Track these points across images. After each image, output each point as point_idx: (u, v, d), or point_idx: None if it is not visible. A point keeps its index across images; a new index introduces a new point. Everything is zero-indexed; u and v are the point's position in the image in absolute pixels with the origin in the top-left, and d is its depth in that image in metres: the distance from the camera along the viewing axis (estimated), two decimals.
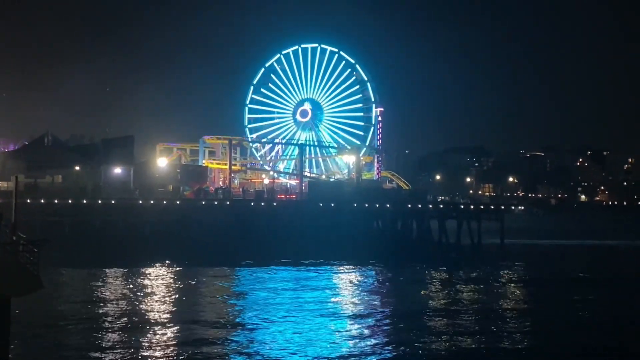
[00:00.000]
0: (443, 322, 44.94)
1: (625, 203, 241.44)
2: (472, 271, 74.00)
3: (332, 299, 53.06)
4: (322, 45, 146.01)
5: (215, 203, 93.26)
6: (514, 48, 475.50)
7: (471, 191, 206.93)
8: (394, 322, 44.32)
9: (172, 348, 35.99)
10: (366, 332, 41.47)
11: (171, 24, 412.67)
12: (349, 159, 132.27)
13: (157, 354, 34.76)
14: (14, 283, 25.14)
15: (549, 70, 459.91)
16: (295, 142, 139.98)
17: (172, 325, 41.66)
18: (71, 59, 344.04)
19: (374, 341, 38.85)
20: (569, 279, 69.94)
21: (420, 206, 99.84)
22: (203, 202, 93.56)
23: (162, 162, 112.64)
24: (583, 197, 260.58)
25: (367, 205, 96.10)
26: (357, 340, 39.04)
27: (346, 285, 62.38)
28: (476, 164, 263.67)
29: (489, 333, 41.34)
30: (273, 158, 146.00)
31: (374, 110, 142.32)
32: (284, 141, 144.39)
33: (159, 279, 61.63)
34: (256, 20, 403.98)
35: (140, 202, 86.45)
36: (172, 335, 39.07)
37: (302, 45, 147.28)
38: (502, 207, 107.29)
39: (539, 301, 55.39)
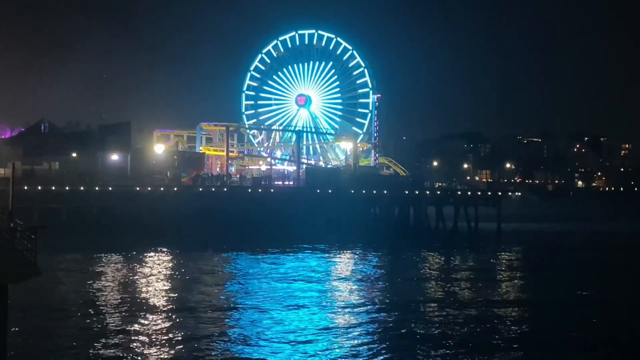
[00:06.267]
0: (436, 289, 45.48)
1: (622, 189, 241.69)
2: (468, 254, 74.81)
3: (326, 277, 53.66)
4: (319, 32, 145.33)
5: (213, 190, 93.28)
6: (511, 34, 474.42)
7: (468, 177, 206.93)
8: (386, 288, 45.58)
9: (171, 333, 36.09)
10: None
11: (168, 11, 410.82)
12: (347, 146, 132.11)
13: (156, 338, 34.86)
14: (11, 270, 25.12)
15: (545, 56, 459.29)
16: (292, 128, 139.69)
17: (171, 310, 41.75)
18: (67, 45, 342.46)
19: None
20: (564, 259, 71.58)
21: (417, 192, 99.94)
22: (200, 189, 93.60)
23: (159, 149, 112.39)
24: (580, 183, 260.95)
25: (364, 191, 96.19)
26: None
27: (341, 265, 62.80)
28: (473, 150, 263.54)
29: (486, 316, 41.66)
30: (270, 145, 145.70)
31: (371, 96, 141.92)
32: (281, 128, 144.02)
33: (156, 265, 61.70)
34: (253, 6, 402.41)
35: (137, 188, 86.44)
36: (171, 320, 39.15)
37: (299, 32, 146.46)
38: (499, 193, 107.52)
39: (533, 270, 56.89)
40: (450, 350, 34.15)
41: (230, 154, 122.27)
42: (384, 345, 35.21)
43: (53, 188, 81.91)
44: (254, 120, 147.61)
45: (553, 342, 36.54)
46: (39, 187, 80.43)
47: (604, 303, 47.45)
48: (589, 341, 36.88)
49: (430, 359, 33.14)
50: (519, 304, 47.22)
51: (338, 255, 71.64)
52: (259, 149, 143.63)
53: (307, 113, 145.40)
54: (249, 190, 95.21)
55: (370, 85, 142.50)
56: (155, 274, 56.33)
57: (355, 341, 35.82)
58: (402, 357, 33.40)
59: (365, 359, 32.98)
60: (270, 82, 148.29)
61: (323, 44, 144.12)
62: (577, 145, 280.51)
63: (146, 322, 38.59)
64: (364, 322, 40.41)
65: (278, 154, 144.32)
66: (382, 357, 33.22)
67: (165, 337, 35.43)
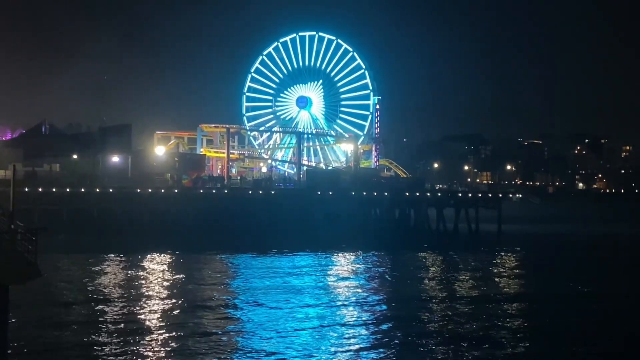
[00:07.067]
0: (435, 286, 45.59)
1: (622, 191, 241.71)
2: (469, 254, 75.30)
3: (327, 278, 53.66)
4: (320, 33, 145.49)
5: (214, 191, 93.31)
6: (511, 36, 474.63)
7: (469, 179, 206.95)
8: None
9: (171, 334, 36.12)
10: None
11: (169, 13, 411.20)
12: (347, 148, 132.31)
13: (158, 340, 34.89)
14: (12, 271, 25.19)
15: (546, 57, 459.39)
16: (293, 130, 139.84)
17: (172, 311, 41.78)
18: (68, 47, 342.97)
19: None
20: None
21: (418, 194, 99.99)
22: (201, 191, 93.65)
23: (159, 151, 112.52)
24: (580, 184, 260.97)
25: (365, 193, 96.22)
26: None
27: (343, 265, 62.85)
28: (474, 152, 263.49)
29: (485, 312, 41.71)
30: (271, 146, 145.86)
31: (372, 98, 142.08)
32: (281, 129, 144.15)
33: (157, 266, 61.66)
34: (254, 9, 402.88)
35: (138, 190, 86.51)
36: (172, 321, 39.16)
37: (300, 33, 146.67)
38: (500, 195, 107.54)
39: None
40: (452, 345, 34.39)
41: (231, 155, 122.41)
42: (389, 341, 35.46)
43: (54, 190, 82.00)
44: (256, 121, 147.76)
45: (553, 339, 36.77)
46: (40, 189, 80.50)
47: (604, 302, 47.74)
48: (589, 338, 37.25)
49: (433, 354, 33.35)
50: (520, 302, 47.41)
51: (339, 256, 71.58)
52: (259, 150, 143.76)
53: (308, 115, 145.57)
54: (250, 192, 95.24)
55: (370, 87, 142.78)
56: (157, 275, 56.30)
57: (360, 338, 36.00)
58: (407, 351, 33.66)
59: (370, 354, 33.16)
60: (271, 84, 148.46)
61: (324, 45, 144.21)
62: (578, 147, 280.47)
63: (148, 322, 38.60)
64: (368, 318, 40.62)
65: (279, 155, 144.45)
66: (387, 352, 33.45)
67: (167, 336, 35.46)
